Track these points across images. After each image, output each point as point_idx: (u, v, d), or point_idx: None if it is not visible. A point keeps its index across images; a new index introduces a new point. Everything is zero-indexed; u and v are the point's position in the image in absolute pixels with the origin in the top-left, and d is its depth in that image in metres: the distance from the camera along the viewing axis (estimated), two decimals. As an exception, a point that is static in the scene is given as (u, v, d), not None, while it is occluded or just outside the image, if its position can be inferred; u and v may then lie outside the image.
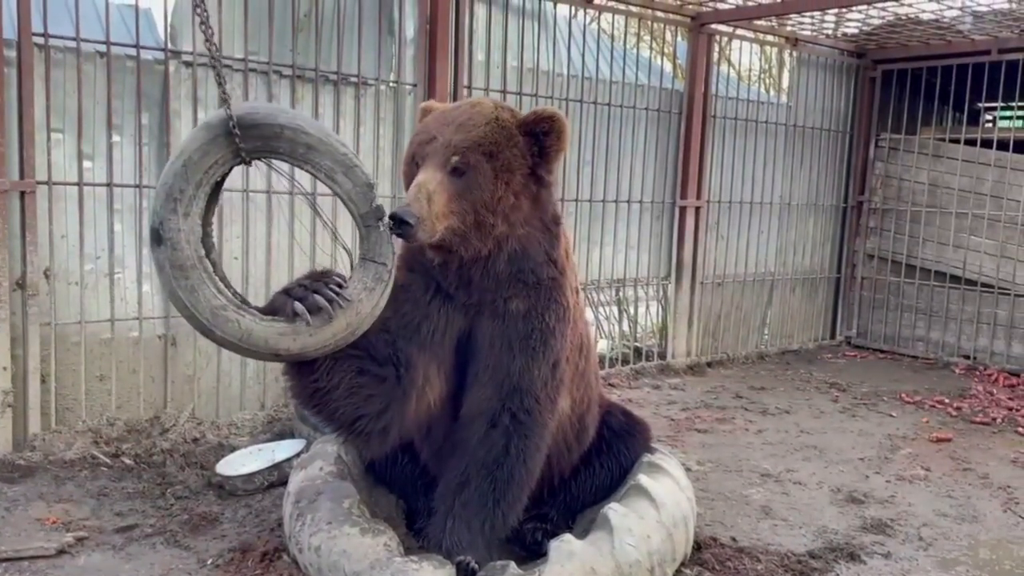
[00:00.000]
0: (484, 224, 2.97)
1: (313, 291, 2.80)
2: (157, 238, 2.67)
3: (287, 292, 2.86)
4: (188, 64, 4.80)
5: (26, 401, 4.38)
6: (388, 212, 2.87)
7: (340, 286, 2.84)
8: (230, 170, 2.81)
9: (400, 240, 3.17)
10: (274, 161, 2.92)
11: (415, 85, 5.62)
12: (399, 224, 2.79)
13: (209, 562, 3.31)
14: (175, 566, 3.28)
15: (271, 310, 2.84)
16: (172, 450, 4.50)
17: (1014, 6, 6.67)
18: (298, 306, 2.77)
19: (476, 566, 2.84)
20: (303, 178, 4.27)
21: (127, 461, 4.37)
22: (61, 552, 3.33)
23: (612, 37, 7.31)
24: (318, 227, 5.08)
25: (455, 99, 5.61)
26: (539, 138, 3.04)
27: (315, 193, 4.26)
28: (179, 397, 4.93)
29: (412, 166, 3.06)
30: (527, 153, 3.04)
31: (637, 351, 7.19)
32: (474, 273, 3.10)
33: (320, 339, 2.81)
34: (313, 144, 2.80)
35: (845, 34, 7.99)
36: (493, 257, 3.07)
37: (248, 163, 2.82)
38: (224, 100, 2.70)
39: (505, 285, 3.13)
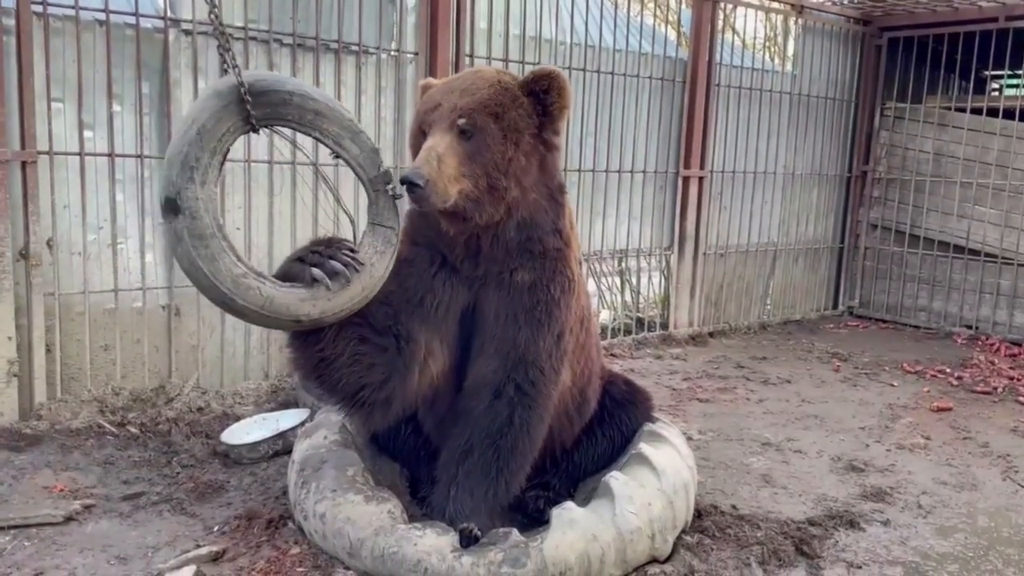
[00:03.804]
0: (497, 188, 2.95)
1: (329, 257, 2.83)
2: (174, 208, 2.63)
3: (301, 259, 2.87)
4: (188, 33, 4.76)
5: (31, 371, 4.41)
6: (396, 177, 2.87)
7: (352, 251, 2.87)
8: (237, 139, 2.80)
9: (407, 207, 3.18)
10: (278, 129, 2.91)
11: (416, 54, 5.58)
12: (410, 187, 2.78)
13: (215, 529, 3.35)
14: (182, 533, 3.32)
15: (286, 277, 2.85)
16: (177, 419, 4.53)
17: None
18: (317, 272, 2.79)
19: (479, 533, 2.87)
20: (306, 147, 4.25)
21: (133, 430, 4.40)
22: (69, 519, 3.37)
23: (615, 4, 7.22)
24: (320, 196, 5.08)
25: (457, 68, 5.58)
26: (540, 97, 3.02)
27: (317, 163, 4.25)
28: (183, 367, 4.96)
29: (419, 136, 3.05)
30: (532, 113, 3.02)
31: (639, 321, 7.20)
32: (483, 242, 3.09)
33: (338, 303, 2.84)
34: (321, 110, 2.81)
35: (851, 1, 7.90)
36: (503, 224, 3.06)
37: (256, 131, 2.81)
38: (233, 67, 2.68)
39: (513, 255, 3.13)
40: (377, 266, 2.91)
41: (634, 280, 7.20)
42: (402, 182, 2.80)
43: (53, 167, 4.44)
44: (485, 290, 3.18)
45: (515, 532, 2.89)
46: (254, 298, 2.73)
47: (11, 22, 4.23)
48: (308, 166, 4.93)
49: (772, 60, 8.19)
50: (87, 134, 4.55)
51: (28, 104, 4.27)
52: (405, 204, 3.12)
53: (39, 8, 4.30)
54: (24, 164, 4.30)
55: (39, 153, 4.35)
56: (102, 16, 4.50)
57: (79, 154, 4.52)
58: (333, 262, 2.81)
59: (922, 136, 8.04)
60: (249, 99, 2.69)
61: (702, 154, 7.16)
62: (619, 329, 6.99)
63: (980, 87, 8.84)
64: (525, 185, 3.03)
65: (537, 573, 2.77)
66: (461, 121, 2.91)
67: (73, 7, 4.39)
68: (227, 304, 2.76)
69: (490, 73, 3.11)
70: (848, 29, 8.16)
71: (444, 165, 2.83)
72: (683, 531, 3.34)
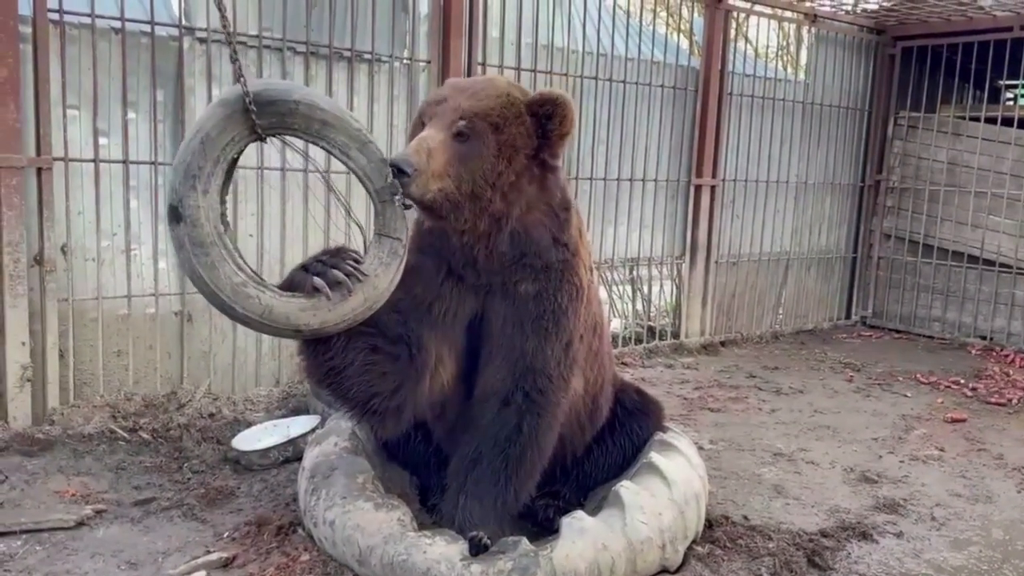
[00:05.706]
0: (480, 197, 2.93)
1: (331, 266, 2.82)
2: (176, 216, 2.66)
3: (305, 268, 2.88)
4: (202, 40, 4.80)
5: (45, 376, 4.43)
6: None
7: (357, 261, 2.87)
8: (245, 147, 2.82)
9: (415, 217, 3.18)
10: (288, 138, 2.92)
11: (429, 62, 5.60)
12: (396, 173, 2.79)
13: (225, 535, 3.36)
14: (192, 539, 3.32)
15: (289, 286, 2.85)
16: (189, 425, 4.54)
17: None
18: (318, 281, 2.79)
19: (488, 541, 2.86)
20: (317, 156, 4.28)
21: (144, 436, 4.41)
22: (80, 524, 3.38)
23: (628, 13, 7.23)
24: (332, 204, 5.09)
25: (469, 76, 5.59)
26: (543, 121, 3.01)
27: (328, 171, 4.27)
28: (195, 373, 4.97)
29: (419, 126, 3.06)
30: (532, 134, 3.01)
31: (651, 330, 7.18)
32: (478, 253, 3.08)
33: (339, 314, 2.82)
34: (328, 120, 2.81)
35: (864, 10, 7.88)
36: (493, 237, 3.04)
37: (263, 140, 2.82)
38: (239, 76, 2.70)
39: (511, 268, 3.12)
40: (381, 277, 2.89)
41: (645, 289, 7.18)
42: (391, 165, 2.81)
43: (68, 173, 4.48)
44: (491, 299, 3.17)
45: (524, 541, 2.88)
46: (253, 307, 2.74)
47: (28, 30, 4.27)
48: (319, 174, 4.93)
49: (785, 69, 8.19)
50: (102, 141, 4.58)
51: (44, 111, 4.31)
52: (413, 214, 3.12)
53: (55, 16, 4.34)
54: (39, 170, 4.33)
55: (54, 159, 4.39)
56: (118, 24, 4.53)
57: (94, 161, 4.55)
58: (335, 272, 2.80)
59: (936, 145, 8.00)
60: (254, 108, 2.69)
61: (714, 162, 7.15)
62: (630, 338, 6.97)
63: (995, 96, 8.80)
64: (512, 200, 3.00)
65: (546, 582, 2.76)
66: (461, 123, 2.91)
67: (89, 15, 4.43)
68: (228, 311, 2.77)
69: (502, 84, 3.10)
70: (861, 38, 8.14)
71: (432, 160, 2.83)
72: (694, 541, 3.32)
